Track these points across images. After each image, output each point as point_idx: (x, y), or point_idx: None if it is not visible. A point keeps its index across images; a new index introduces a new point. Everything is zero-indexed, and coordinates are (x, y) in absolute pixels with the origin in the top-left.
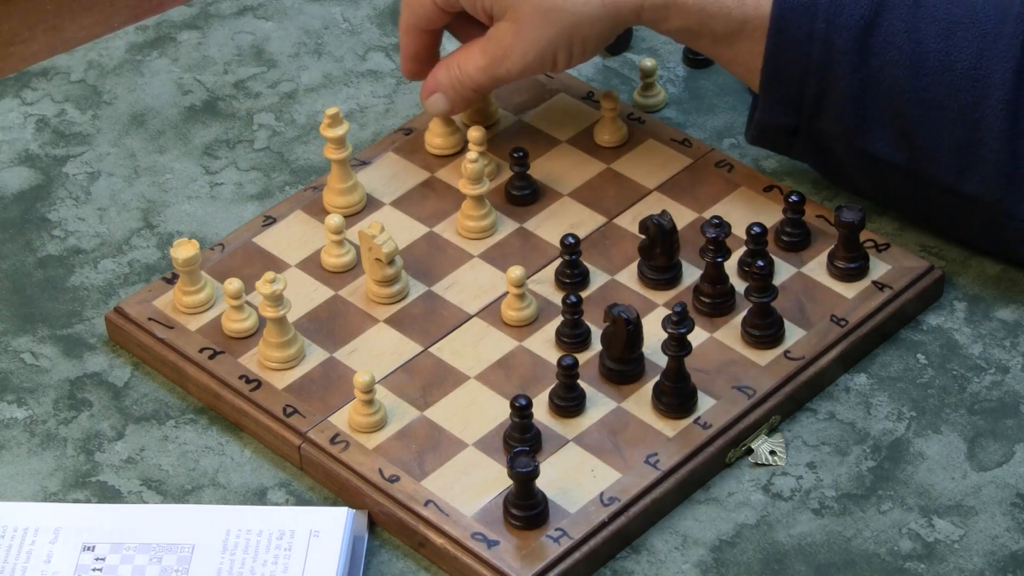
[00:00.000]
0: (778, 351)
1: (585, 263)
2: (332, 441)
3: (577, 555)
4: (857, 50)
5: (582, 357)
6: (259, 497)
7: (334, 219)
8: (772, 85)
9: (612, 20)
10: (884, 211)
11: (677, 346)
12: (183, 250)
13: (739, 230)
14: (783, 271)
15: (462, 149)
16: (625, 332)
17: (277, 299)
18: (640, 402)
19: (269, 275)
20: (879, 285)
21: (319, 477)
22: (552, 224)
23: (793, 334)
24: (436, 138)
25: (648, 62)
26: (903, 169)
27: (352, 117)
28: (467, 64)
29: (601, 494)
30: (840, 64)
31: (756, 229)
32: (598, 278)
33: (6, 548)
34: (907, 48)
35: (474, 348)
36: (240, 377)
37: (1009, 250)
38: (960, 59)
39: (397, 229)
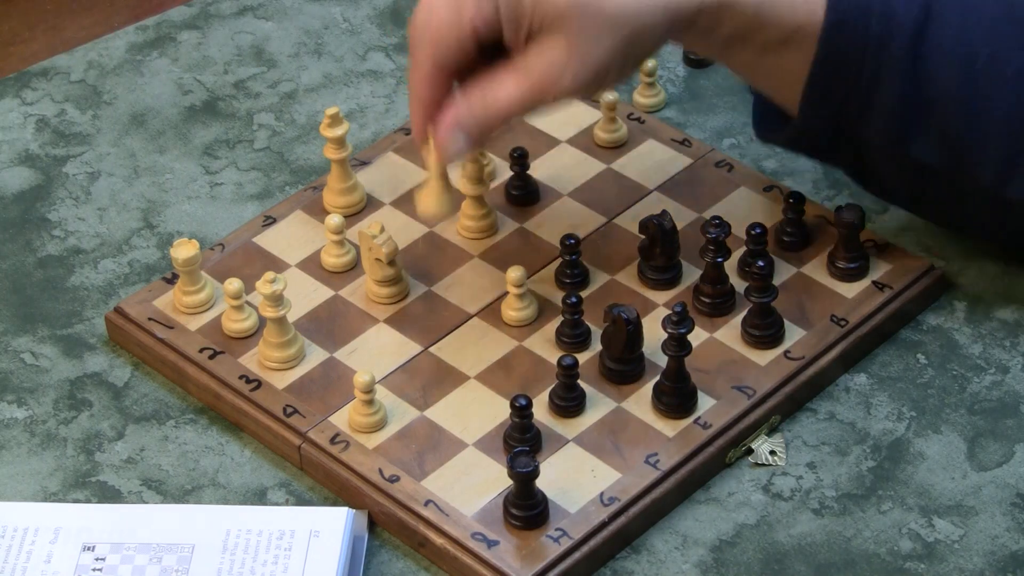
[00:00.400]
0: (778, 351)
1: (585, 263)
2: (332, 441)
3: (577, 555)
4: (909, 55)
5: (582, 357)
6: (259, 497)
7: (334, 219)
8: (818, 91)
9: (669, 25)
10: (884, 210)
11: (677, 346)
12: (183, 250)
13: (739, 230)
14: (783, 271)
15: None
16: (625, 332)
17: (277, 299)
18: (640, 402)
19: (269, 275)
20: (879, 285)
21: (319, 477)
22: (552, 224)
23: (793, 334)
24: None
25: (648, 62)
26: (945, 175)
27: (352, 117)
28: (499, 94)
29: (601, 494)
30: (892, 69)
31: (756, 229)
32: (598, 278)
33: (6, 548)
34: (956, 51)
35: (474, 348)
36: (240, 377)
37: None
38: (1008, 61)
39: (397, 229)
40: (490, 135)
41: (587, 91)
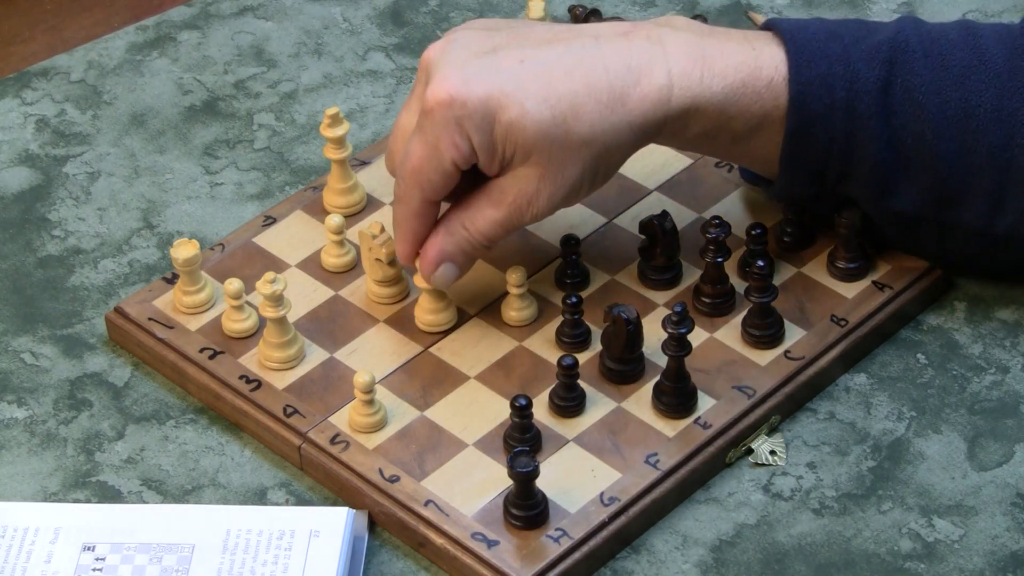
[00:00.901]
0: (778, 351)
1: (585, 263)
2: (332, 441)
3: (577, 555)
4: (879, 113)
5: (582, 357)
6: (259, 497)
7: (334, 219)
8: (793, 163)
9: (637, 141)
10: None
11: (677, 346)
12: (183, 250)
13: (739, 230)
14: (783, 271)
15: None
16: (625, 332)
17: (277, 299)
18: (640, 402)
19: (269, 275)
20: (879, 285)
21: (319, 477)
22: (552, 224)
23: (793, 334)
24: (427, 315)
25: None
26: (932, 220)
27: (352, 117)
28: (477, 222)
29: (601, 494)
30: (864, 130)
31: (756, 229)
32: (598, 278)
33: (6, 548)
34: (927, 102)
35: (474, 348)
36: (240, 377)
37: None
38: (981, 103)
39: None
40: (477, 258)
41: (562, 206)
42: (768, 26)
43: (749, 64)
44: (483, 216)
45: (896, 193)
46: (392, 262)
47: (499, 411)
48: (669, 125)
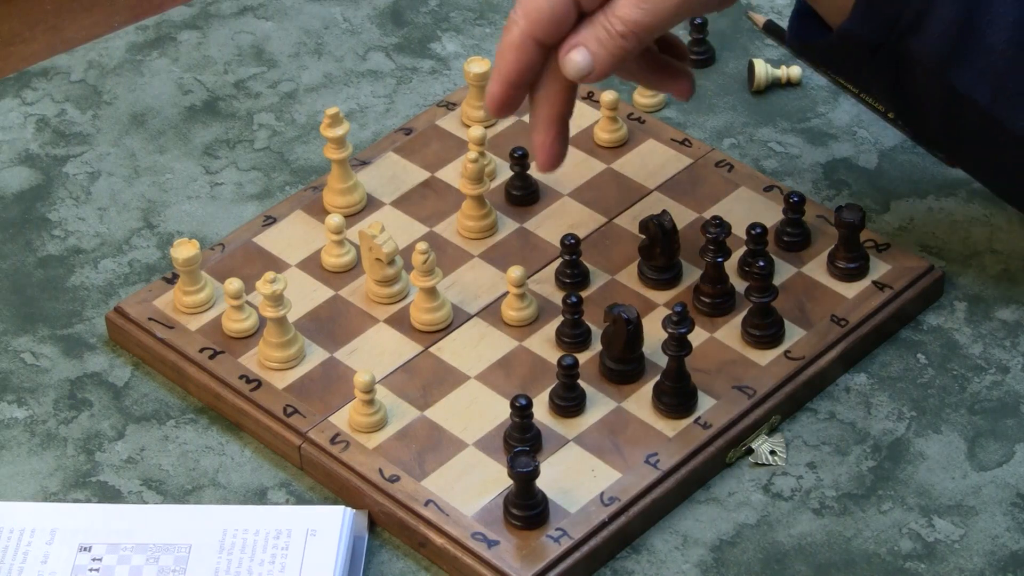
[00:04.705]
0: (778, 351)
1: (585, 263)
2: (332, 441)
3: (577, 555)
4: None
5: (582, 357)
6: (259, 497)
7: (334, 219)
8: (870, 1)
9: None
10: (884, 211)
11: (677, 346)
12: (183, 250)
13: (739, 230)
14: (783, 271)
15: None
16: (625, 332)
17: (277, 299)
18: (640, 402)
19: (269, 275)
20: (879, 285)
21: (319, 477)
22: (552, 224)
23: (793, 334)
24: (423, 314)
25: None
26: (982, 111)
27: (352, 117)
28: (619, 8)
29: (601, 494)
30: None
31: (756, 229)
32: (598, 278)
33: (2, 549)
34: None
35: (474, 348)
36: (240, 377)
37: None
38: None
39: (397, 229)
40: (617, 55)
41: (697, 7)
42: None
43: None
44: (624, 4)
45: (960, 65)
46: (392, 262)
47: (499, 411)
48: None
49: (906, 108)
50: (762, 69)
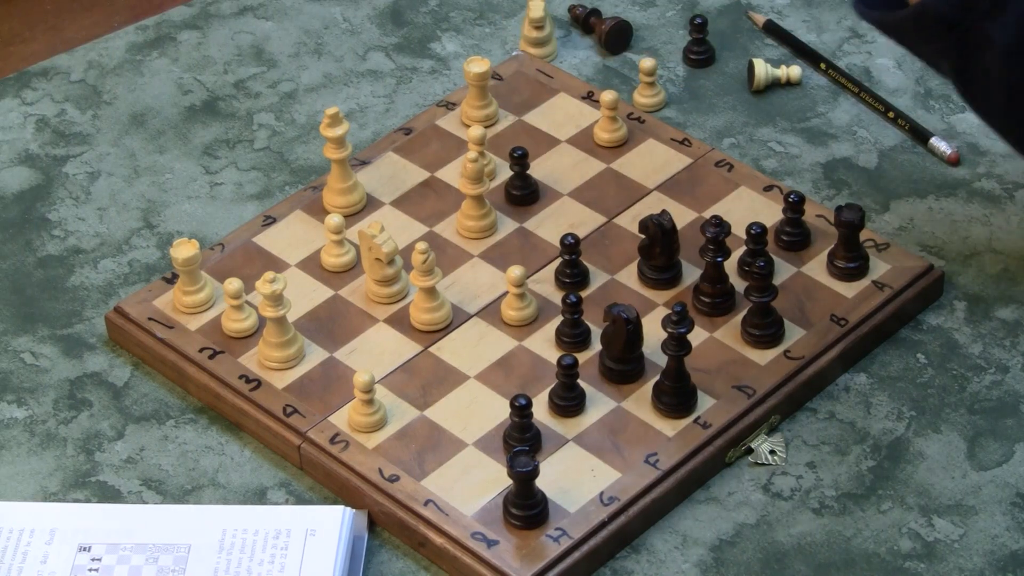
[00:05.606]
0: (778, 351)
1: (585, 263)
2: (332, 441)
3: (577, 555)
4: None
5: (582, 357)
6: (259, 497)
7: (334, 219)
8: None
9: None
10: (884, 210)
11: (677, 346)
12: (183, 250)
13: (739, 230)
14: (783, 271)
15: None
16: (625, 332)
17: (277, 299)
18: (640, 402)
19: (269, 275)
20: (879, 285)
21: (319, 477)
22: (552, 224)
23: (793, 334)
24: (423, 314)
25: (648, 62)
26: None
27: (352, 117)
28: None
29: (601, 494)
30: None
31: (756, 229)
32: (598, 278)
33: (2, 549)
34: None
35: (474, 348)
36: (240, 377)
37: None
38: None
39: (397, 229)
40: None
41: None
42: None
43: None
44: None
45: None
46: (392, 262)
47: (499, 411)
48: None
49: (971, 85)
50: (762, 69)
